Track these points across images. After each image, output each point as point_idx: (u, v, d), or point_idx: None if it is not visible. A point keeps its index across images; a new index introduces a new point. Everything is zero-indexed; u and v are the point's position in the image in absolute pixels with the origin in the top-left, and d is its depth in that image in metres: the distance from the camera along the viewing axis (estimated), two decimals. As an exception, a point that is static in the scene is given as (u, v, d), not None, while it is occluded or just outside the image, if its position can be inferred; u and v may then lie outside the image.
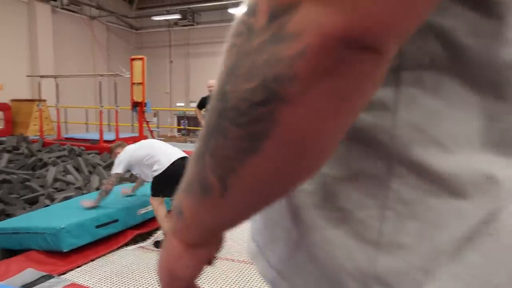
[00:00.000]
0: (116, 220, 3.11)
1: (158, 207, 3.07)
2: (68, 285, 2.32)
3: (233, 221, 0.35)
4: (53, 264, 2.64)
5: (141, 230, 3.33)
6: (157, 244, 3.17)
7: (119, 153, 3.26)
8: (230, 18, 15.16)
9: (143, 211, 3.39)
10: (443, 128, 0.31)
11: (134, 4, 16.37)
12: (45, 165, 6.32)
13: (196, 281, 0.43)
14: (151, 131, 8.89)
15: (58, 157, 6.98)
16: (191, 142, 13.15)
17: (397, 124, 0.31)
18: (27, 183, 4.91)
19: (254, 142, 0.27)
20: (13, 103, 11.09)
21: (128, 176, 5.68)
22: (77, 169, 6.08)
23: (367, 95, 0.26)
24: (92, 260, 2.79)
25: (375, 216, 0.32)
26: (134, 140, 9.06)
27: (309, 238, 0.36)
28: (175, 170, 3.00)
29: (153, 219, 3.51)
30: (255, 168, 0.28)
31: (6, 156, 6.61)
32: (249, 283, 2.41)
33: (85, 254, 2.82)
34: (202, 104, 5.37)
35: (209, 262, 0.44)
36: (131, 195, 3.59)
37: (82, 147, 7.98)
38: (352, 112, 0.27)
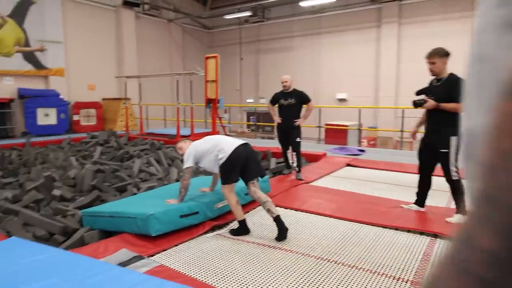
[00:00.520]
0: (197, 212, 3.28)
1: (229, 194, 3.21)
2: (158, 266, 2.51)
3: None
4: (143, 247, 2.88)
5: (218, 221, 3.47)
6: (232, 231, 3.29)
7: (184, 148, 3.46)
8: (301, 11, 14.97)
9: (220, 205, 3.53)
10: None
11: (208, 5, 17.07)
12: (131, 157, 6.94)
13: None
14: (223, 127, 9.23)
15: (142, 150, 7.61)
16: (261, 138, 13.37)
17: None
18: (117, 173, 5.42)
19: None
20: (104, 102, 12.38)
21: (202, 170, 5.95)
22: (158, 162, 6.56)
23: None
24: (176, 245, 2.98)
25: None
26: (208, 135, 9.49)
27: None
28: (238, 155, 3.16)
29: (228, 212, 3.64)
30: None
31: (99, 149, 7.41)
32: (322, 279, 2.36)
33: (170, 240, 3.03)
34: (274, 99, 5.39)
35: None
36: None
37: (161, 142, 8.61)
38: None
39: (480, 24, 0.42)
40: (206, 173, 5.74)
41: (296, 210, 3.89)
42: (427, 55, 3.37)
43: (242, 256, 2.80)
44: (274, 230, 3.29)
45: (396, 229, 3.30)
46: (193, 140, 3.53)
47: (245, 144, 3.28)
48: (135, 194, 4.41)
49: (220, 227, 3.46)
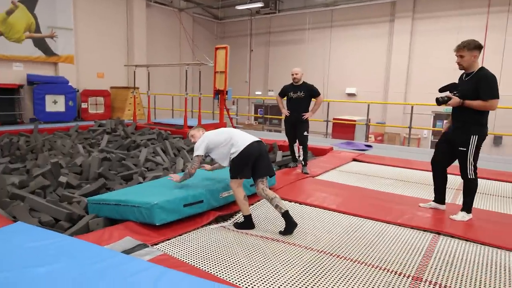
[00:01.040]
0: (202, 201, 3.26)
1: (237, 189, 3.18)
2: (161, 255, 2.51)
3: None
4: (147, 235, 2.88)
5: (222, 212, 3.46)
6: (236, 225, 3.28)
7: (197, 136, 3.42)
8: (313, 4, 14.77)
9: (225, 194, 3.51)
10: None
11: (219, -5, 16.93)
12: (137, 146, 6.96)
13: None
14: (231, 119, 9.20)
15: (149, 140, 7.63)
16: (269, 130, 13.32)
17: None
18: (123, 161, 5.44)
19: None
20: (112, 90, 12.41)
21: (209, 160, 5.95)
22: (164, 151, 6.58)
23: None
24: (179, 235, 2.98)
25: None
26: (215, 126, 9.48)
27: None
28: (251, 151, 3.11)
29: (233, 203, 3.62)
30: None
31: (106, 137, 7.44)
32: (323, 273, 2.34)
33: (174, 229, 3.02)
34: (283, 92, 5.33)
35: None
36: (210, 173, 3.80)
37: (168, 132, 8.62)
38: None
39: None
40: (213, 162, 5.73)
41: (301, 203, 3.87)
42: (455, 47, 3.22)
43: (245, 247, 2.79)
44: (277, 223, 3.27)
45: (400, 225, 3.27)
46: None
47: (259, 142, 3.23)
48: (140, 183, 4.42)
49: (224, 218, 3.45)
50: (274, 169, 4.84)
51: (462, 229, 3.14)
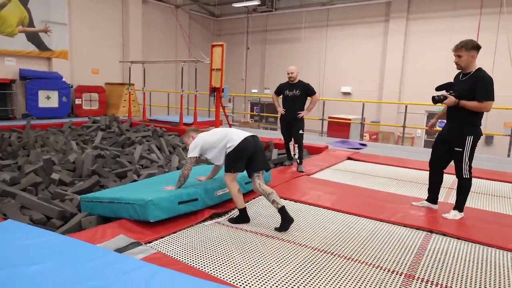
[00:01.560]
0: (196, 199, 3.25)
1: (231, 183, 3.19)
2: (155, 253, 2.49)
3: None
4: (140, 233, 2.86)
5: (217, 209, 3.45)
6: (231, 220, 3.27)
7: (193, 137, 3.42)
8: (310, 3, 14.77)
9: (220, 192, 3.50)
10: None
11: (216, -8, 16.85)
12: (132, 143, 6.91)
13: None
14: (227, 116, 9.17)
15: (143, 137, 7.58)
16: (264, 128, 13.32)
17: None
18: (118, 158, 5.40)
19: None
20: (107, 86, 12.30)
21: (204, 159, 5.92)
22: (159, 149, 6.54)
23: None
24: (173, 233, 2.97)
25: None
26: (210, 124, 9.46)
27: None
28: (247, 145, 3.14)
29: (229, 201, 3.62)
30: None
31: (100, 134, 7.38)
32: (317, 270, 2.35)
33: (168, 227, 3.01)
34: (279, 90, 5.33)
35: None
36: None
37: (163, 129, 8.57)
38: None
39: None
40: (208, 162, 5.72)
41: (296, 201, 3.88)
42: (453, 47, 3.22)
43: (239, 244, 2.79)
44: (272, 220, 3.28)
45: (393, 224, 3.29)
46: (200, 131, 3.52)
47: (254, 136, 3.27)
48: (135, 180, 4.39)
49: (219, 215, 3.44)
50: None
51: (454, 228, 3.17)
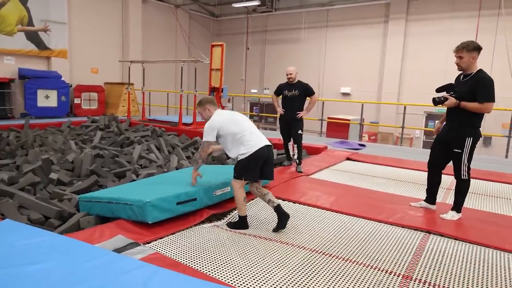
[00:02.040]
0: (195, 199, 3.25)
1: (238, 190, 3.11)
2: (153, 254, 2.49)
3: None
4: (139, 234, 2.86)
5: (216, 210, 3.45)
6: (230, 224, 3.26)
7: (209, 110, 3.21)
8: (309, 3, 14.77)
9: (219, 192, 3.50)
10: None
11: (216, -8, 16.85)
12: (131, 143, 6.90)
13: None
14: (225, 116, 9.18)
15: (143, 137, 7.57)
16: (264, 128, 13.32)
17: None
18: (116, 158, 5.39)
19: None
20: (106, 86, 12.28)
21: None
22: (159, 149, 6.53)
23: None
24: (172, 234, 2.97)
25: None
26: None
27: None
28: (260, 156, 3.06)
29: (228, 201, 3.62)
30: None
31: (99, 133, 7.37)
32: (315, 272, 2.36)
33: (167, 228, 3.01)
34: (278, 90, 5.34)
35: None
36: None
37: (163, 129, 8.56)
38: None
39: None
40: (208, 161, 5.72)
41: (294, 202, 3.88)
42: (455, 48, 3.23)
43: (237, 246, 2.79)
44: (270, 223, 3.28)
45: (391, 224, 3.29)
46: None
47: (269, 146, 3.16)
48: (134, 180, 4.39)
49: (218, 217, 3.44)
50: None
51: (452, 228, 3.17)
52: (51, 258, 2.14)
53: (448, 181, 4.65)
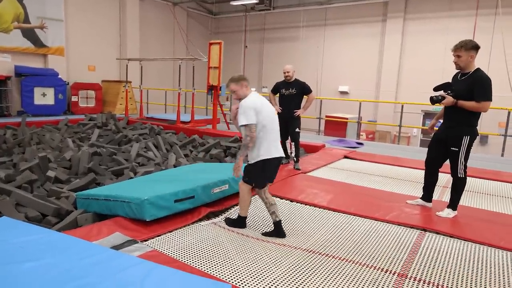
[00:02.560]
0: (193, 197, 3.25)
1: (246, 194, 3.01)
2: (150, 251, 2.50)
3: None
4: (136, 231, 2.86)
5: (214, 208, 3.46)
6: (228, 221, 3.22)
7: (247, 88, 2.95)
8: (308, 2, 14.76)
9: (217, 190, 3.50)
10: None
11: (214, -10, 16.79)
12: (129, 141, 6.89)
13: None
14: (224, 114, 9.16)
15: (140, 135, 7.56)
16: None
17: None
18: (114, 156, 5.39)
19: None
20: (103, 84, 12.23)
21: (199, 156, 5.90)
22: (156, 147, 6.52)
23: None
24: (170, 231, 2.98)
25: None
26: (207, 122, 9.45)
27: None
28: (272, 165, 2.93)
29: (225, 198, 3.63)
30: None
31: (97, 131, 7.36)
32: (312, 271, 2.37)
33: (164, 225, 3.02)
34: (276, 89, 5.34)
35: None
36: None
37: (161, 127, 8.55)
38: None
39: None
40: (206, 159, 5.72)
41: (292, 200, 3.89)
42: (453, 47, 3.24)
43: (235, 245, 2.80)
44: (266, 222, 3.28)
45: (388, 222, 3.31)
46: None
47: (279, 159, 3.01)
48: (131, 178, 4.38)
49: (215, 214, 3.45)
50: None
51: (447, 226, 3.20)
52: (48, 255, 2.14)
53: (444, 179, 4.67)
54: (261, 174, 2.95)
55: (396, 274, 2.42)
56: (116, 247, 2.51)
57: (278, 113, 5.33)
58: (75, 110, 11.05)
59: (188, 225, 3.14)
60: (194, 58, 8.87)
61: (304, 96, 5.27)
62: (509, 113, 7.65)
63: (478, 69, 3.22)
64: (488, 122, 10.27)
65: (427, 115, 12.64)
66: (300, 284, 2.25)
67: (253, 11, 16.17)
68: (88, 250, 2.28)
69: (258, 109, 2.82)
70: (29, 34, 10.56)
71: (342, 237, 3.01)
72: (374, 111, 13.53)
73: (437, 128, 3.60)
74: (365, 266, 2.53)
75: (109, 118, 9.11)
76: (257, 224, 3.26)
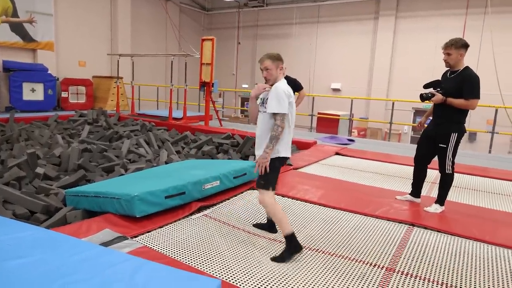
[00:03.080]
0: (184, 193, 3.25)
1: (275, 205, 2.50)
2: (140, 247, 2.50)
3: None
4: (126, 227, 2.85)
5: (204, 202, 3.46)
6: (285, 257, 2.49)
7: (282, 69, 2.54)
8: (300, -1, 14.74)
9: (208, 186, 3.51)
10: None
11: (206, -15, 16.69)
12: (120, 137, 6.84)
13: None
14: (216, 111, 9.15)
15: (132, 131, 7.51)
16: (254, 123, 13.30)
17: None
18: (105, 153, 5.34)
19: None
20: (94, 79, 12.10)
21: (195, 153, 5.89)
22: (148, 143, 6.49)
23: None
24: (160, 227, 2.97)
25: None
26: (200, 118, 9.42)
27: None
28: (280, 167, 2.61)
29: (216, 194, 3.63)
30: None
31: (87, 127, 7.28)
32: (301, 266, 2.39)
33: (155, 221, 3.01)
34: (267, 85, 5.34)
35: None
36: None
37: (152, 123, 8.50)
38: None
39: None
40: (200, 155, 5.70)
41: (283, 196, 3.91)
42: (443, 45, 3.29)
43: (225, 240, 2.81)
44: (258, 215, 3.30)
45: (377, 217, 3.35)
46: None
47: (286, 159, 2.65)
48: (122, 175, 4.36)
49: (206, 207, 3.45)
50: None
51: (435, 221, 3.25)
52: (36, 252, 2.12)
53: (433, 175, 4.74)
54: (276, 175, 2.53)
55: (384, 268, 2.45)
56: (106, 244, 2.50)
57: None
58: (65, 106, 10.92)
59: (179, 220, 3.14)
60: (187, 54, 8.83)
61: (296, 93, 5.28)
62: (496, 110, 7.78)
63: (467, 67, 3.27)
64: (476, 119, 10.43)
65: (418, 112, 12.78)
66: (290, 278, 2.27)
67: (246, 7, 16.13)
68: (77, 247, 2.26)
69: (291, 100, 2.49)
70: (18, 29, 10.39)
71: (332, 232, 3.04)
72: (366, 108, 13.63)
73: (426, 125, 3.65)
74: (354, 260, 2.56)
75: (100, 114, 9.02)
76: (249, 217, 3.27)
